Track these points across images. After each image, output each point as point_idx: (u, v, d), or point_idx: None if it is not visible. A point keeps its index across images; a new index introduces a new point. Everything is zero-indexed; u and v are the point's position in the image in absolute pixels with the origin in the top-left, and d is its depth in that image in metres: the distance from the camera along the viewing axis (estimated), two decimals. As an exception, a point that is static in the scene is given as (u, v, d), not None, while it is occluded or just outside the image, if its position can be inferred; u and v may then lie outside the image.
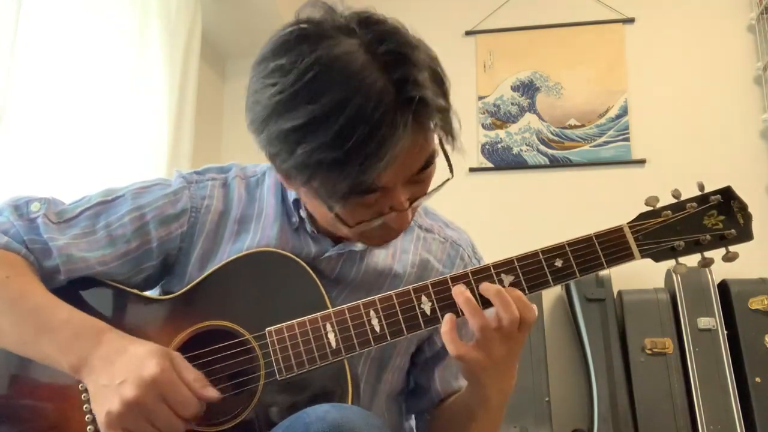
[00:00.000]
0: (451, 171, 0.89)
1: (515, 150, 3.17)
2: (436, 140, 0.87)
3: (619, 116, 3.11)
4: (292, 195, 1.02)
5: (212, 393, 0.85)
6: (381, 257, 1.05)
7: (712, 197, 0.91)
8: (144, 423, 0.81)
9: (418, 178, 0.88)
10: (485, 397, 0.96)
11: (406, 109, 0.79)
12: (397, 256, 1.06)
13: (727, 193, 0.92)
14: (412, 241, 1.08)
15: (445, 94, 0.86)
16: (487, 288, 0.88)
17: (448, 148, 0.88)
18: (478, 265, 1.09)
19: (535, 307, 0.88)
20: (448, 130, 0.86)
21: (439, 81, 0.85)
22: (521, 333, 0.88)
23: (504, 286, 0.89)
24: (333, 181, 0.82)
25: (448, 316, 0.88)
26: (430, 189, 0.92)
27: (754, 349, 2.47)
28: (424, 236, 1.10)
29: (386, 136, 0.78)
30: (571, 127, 3.15)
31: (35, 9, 1.89)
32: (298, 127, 0.80)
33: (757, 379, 2.42)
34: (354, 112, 0.77)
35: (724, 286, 2.60)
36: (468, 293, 0.87)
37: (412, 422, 1.17)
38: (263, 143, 0.86)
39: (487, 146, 3.19)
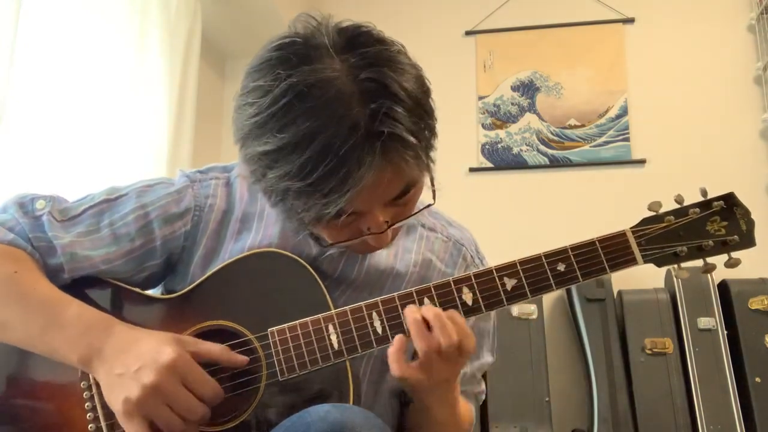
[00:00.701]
0: (434, 197, 0.90)
1: (515, 150, 3.17)
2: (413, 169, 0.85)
3: (619, 116, 3.11)
4: None
5: (241, 358, 0.88)
6: (383, 257, 1.05)
7: (715, 203, 0.92)
8: (164, 408, 0.82)
9: (399, 203, 0.88)
10: (428, 409, 0.97)
11: (375, 143, 0.78)
12: (400, 255, 1.06)
13: (730, 199, 0.92)
14: (414, 241, 1.08)
15: (427, 127, 0.83)
16: (426, 310, 0.88)
17: (427, 179, 0.88)
18: (480, 265, 1.10)
19: (472, 336, 0.88)
20: (422, 167, 0.84)
21: (420, 113, 0.82)
22: (461, 358, 0.88)
23: (459, 305, 0.90)
24: (301, 207, 0.83)
25: (398, 337, 0.88)
26: (414, 210, 0.92)
27: (754, 349, 2.48)
28: (427, 235, 1.10)
29: (350, 171, 0.78)
30: (571, 127, 3.15)
31: (35, 9, 1.89)
32: (267, 153, 0.80)
33: (757, 379, 2.43)
34: (321, 144, 0.77)
35: (724, 286, 2.60)
36: (418, 315, 0.87)
37: None
38: (242, 159, 0.87)
39: (487, 146, 3.19)
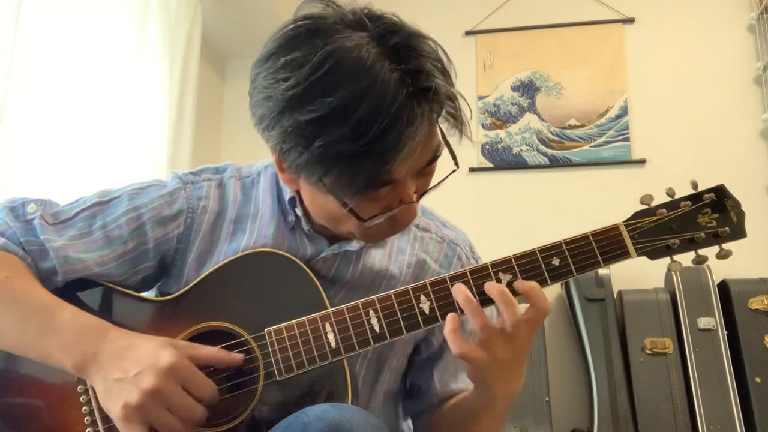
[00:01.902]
0: (456, 163, 0.89)
1: (515, 150, 3.17)
2: (439, 133, 0.88)
3: (619, 116, 3.11)
4: (287, 194, 1.02)
5: (234, 355, 0.88)
6: (377, 257, 1.05)
7: (706, 195, 0.92)
8: (163, 412, 0.82)
9: (426, 171, 0.89)
10: (492, 399, 0.94)
11: (423, 99, 0.81)
12: (393, 256, 1.06)
13: (720, 191, 0.92)
14: (408, 241, 1.08)
15: (452, 83, 0.87)
16: (490, 287, 0.88)
17: (453, 140, 0.89)
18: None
19: (547, 302, 0.87)
20: (460, 118, 0.87)
21: (446, 71, 0.86)
22: (528, 331, 0.87)
23: (513, 282, 0.89)
24: (351, 174, 0.82)
25: (451, 315, 0.87)
26: (434, 182, 0.92)
27: (754, 349, 2.47)
28: (421, 236, 1.10)
29: (405, 126, 0.79)
30: (571, 127, 3.15)
31: (35, 9, 1.89)
32: (315, 120, 0.79)
33: (757, 379, 2.43)
34: (372, 103, 0.78)
35: (724, 286, 2.60)
36: (468, 292, 0.87)
37: (409, 422, 1.16)
38: (276, 139, 0.85)
39: (487, 146, 3.19)
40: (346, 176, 0.82)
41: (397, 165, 0.81)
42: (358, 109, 0.78)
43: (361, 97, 0.78)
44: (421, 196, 0.91)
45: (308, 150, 0.81)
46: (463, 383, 1.08)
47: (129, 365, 0.83)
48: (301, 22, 0.84)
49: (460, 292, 0.87)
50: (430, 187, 0.92)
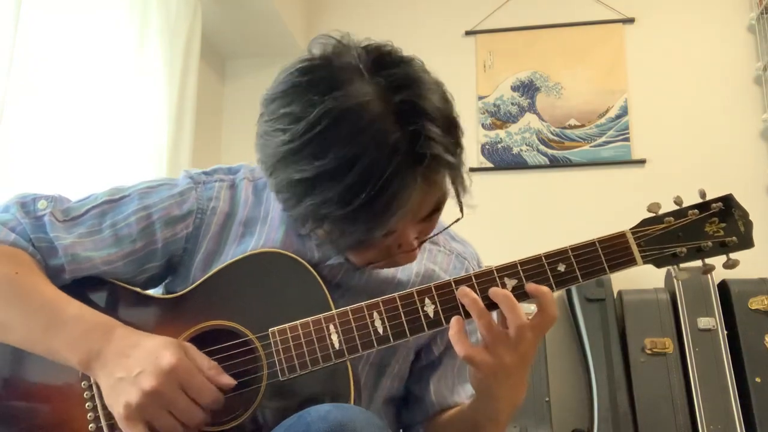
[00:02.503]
0: (461, 211, 0.90)
1: (515, 150, 3.17)
2: (448, 182, 0.87)
3: (619, 116, 3.11)
4: None
5: (227, 380, 0.86)
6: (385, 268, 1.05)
7: (714, 205, 0.92)
8: (164, 413, 0.82)
9: (428, 219, 0.90)
10: (496, 411, 0.94)
11: (418, 166, 0.79)
12: (402, 267, 1.06)
13: (728, 200, 0.92)
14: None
15: (457, 143, 0.85)
16: (495, 293, 0.88)
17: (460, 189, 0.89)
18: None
19: (554, 307, 0.87)
20: (459, 183, 0.87)
21: (452, 130, 0.84)
22: (534, 337, 0.87)
23: (522, 286, 0.89)
24: (341, 232, 0.82)
25: (456, 318, 0.87)
26: (438, 227, 0.93)
27: (754, 349, 2.47)
28: (429, 248, 1.10)
29: (396, 193, 0.78)
30: (571, 127, 3.15)
31: (35, 9, 1.89)
32: (304, 180, 0.80)
33: (757, 379, 2.43)
34: (361, 170, 0.77)
35: (724, 286, 2.60)
36: (474, 294, 0.87)
37: None
38: (272, 187, 0.87)
39: (487, 146, 3.19)
40: (337, 233, 0.83)
41: (388, 227, 0.81)
42: (348, 174, 0.77)
43: (353, 162, 0.77)
44: (422, 241, 0.91)
45: (300, 205, 0.82)
46: (459, 398, 1.08)
47: (132, 364, 0.83)
48: (305, 64, 0.83)
49: (465, 294, 0.87)
50: (432, 234, 0.92)
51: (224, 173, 1.07)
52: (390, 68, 0.82)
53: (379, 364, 1.05)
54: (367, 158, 0.77)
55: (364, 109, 0.79)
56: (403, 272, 1.05)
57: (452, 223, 0.91)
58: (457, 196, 0.89)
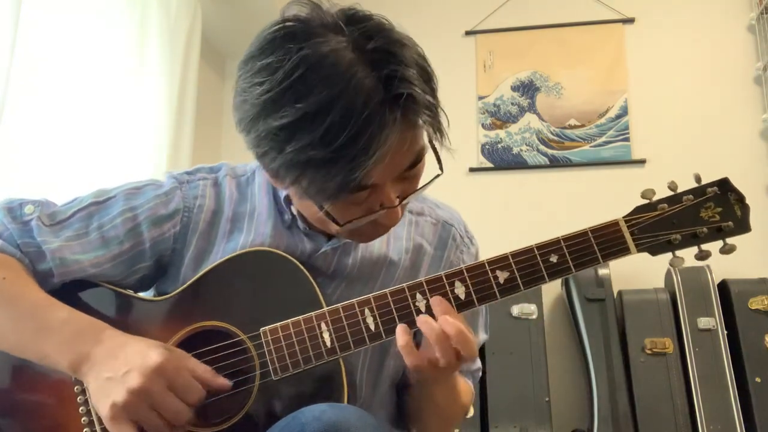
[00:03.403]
0: (441, 167, 0.89)
1: (515, 150, 3.17)
2: (425, 137, 0.87)
3: (619, 116, 3.11)
4: (282, 192, 1.02)
5: (223, 382, 0.86)
6: (376, 245, 1.05)
7: (709, 189, 0.90)
8: (150, 412, 0.82)
9: (408, 175, 0.89)
10: (431, 395, 1.01)
11: (395, 106, 0.79)
12: (391, 243, 1.06)
13: (724, 184, 0.91)
14: (404, 227, 1.08)
15: (433, 91, 0.85)
16: (440, 321, 0.87)
17: (436, 144, 0.88)
18: (470, 245, 1.10)
19: (472, 342, 0.87)
20: (437, 127, 0.85)
21: (427, 78, 0.84)
22: (461, 362, 0.89)
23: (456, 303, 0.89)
24: (322, 180, 0.82)
25: (401, 328, 0.87)
26: (420, 185, 0.91)
27: (754, 349, 2.47)
28: (416, 220, 1.10)
29: (375, 133, 0.78)
30: (571, 127, 3.15)
31: (35, 9, 1.89)
32: (286, 126, 0.79)
33: (757, 379, 2.42)
34: (342, 110, 0.78)
35: (724, 286, 2.59)
36: (432, 323, 0.87)
37: None
38: (252, 143, 0.86)
39: (487, 146, 3.19)
40: (318, 181, 0.82)
41: (367, 170, 0.80)
42: (328, 116, 0.78)
43: (332, 104, 0.78)
44: (404, 199, 0.90)
45: (281, 155, 0.82)
46: None
47: (119, 364, 0.83)
48: (279, 25, 0.84)
49: (423, 322, 0.87)
50: (414, 190, 0.91)
51: (206, 172, 1.07)
52: (361, 23, 0.83)
53: (382, 345, 1.05)
54: (346, 98, 0.78)
55: (340, 54, 0.80)
56: (393, 251, 1.06)
57: (432, 180, 0.90)
58: (433, 149, 0.88)
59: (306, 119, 0.78)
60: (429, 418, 1.07)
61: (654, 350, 2.54)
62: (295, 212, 1.01)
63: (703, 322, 2.53)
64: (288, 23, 0.84)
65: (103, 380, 0.83)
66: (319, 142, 0.78)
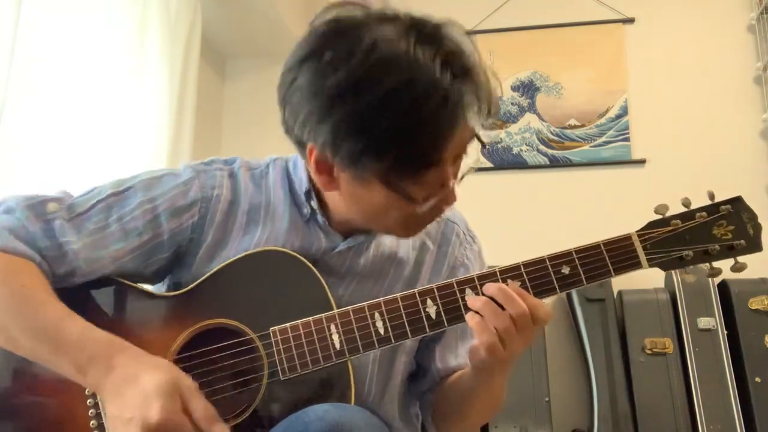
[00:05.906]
0: (484, 145, 0.92)
1: (515, 150, 3.17)
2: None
3: (619, 116, 3.11)
4: (301, 186, 1.02)
5: (221, 429, 0.82)
6: (386, 243, 1.05)
7: (723, 207, 0.91)
8: None
9: (460, 156, 0.90)
10: (490, 379, 0.98)
11: (467, 79, 0.83)
12: (401, 240, 1.07)
13: (737, 203, 0.91)
14: None
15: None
16: (488, 287, 0.88)
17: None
18: (472, 243, 1.11)
19: (542, 302, 0.88)
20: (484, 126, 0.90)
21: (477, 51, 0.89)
22: (536, 326, 0.88)
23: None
24: (406, 155, 0.83)
25: (471, 314, 0.88)
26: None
27: (754, 349, 2.47)
28: None
29: (457, 103, 0.81)
30: (571, 127, 3.15)
31: (35, 9, 1.89)
32: (372, 105, 0.80)
33: (757, 379, 2.43)
34: (425, 83, 0.80)
35: (724, 286, 2.59)
36: (483, 297, 0.88)
37: (417, 409, 1.16)
38: (328, 134, 0.84)
39: (486, 146, 3.19)
40: (403, 157, 0.83)
41: (449, 142, 0.83)
42: (413, 90, 0.80)
43: (413, 79, 0.80)
44: (461, 178, 0.91)
45: (366, 135, 0.82)
46: (462, 359, 1.09)
47: (125, 406, 0.81)
48: (332, 21, 0.86)
49: (474, 299, 0.88)
50: (463, 173, 0.93)
51: (222, 163, 1.07)
52: (405, 14, 0.87)
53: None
54: (424, 74, 0.81)
55: (404, 39, 0.83)
56: (402, 248, 1.06)
57: (478, 158, 0.94)
58: (478, 138, 0.90)
59: (392, 95, 0.80)
60: (481, 405, 1.05)
61: (654, 350, 2.54)
62: (315, 206, 1.01)
63: (703, 322, 2.53)
64: (339, 17, 0.86)
65: (112, 415, 0.83)
66: (407, 113, 0.80)
